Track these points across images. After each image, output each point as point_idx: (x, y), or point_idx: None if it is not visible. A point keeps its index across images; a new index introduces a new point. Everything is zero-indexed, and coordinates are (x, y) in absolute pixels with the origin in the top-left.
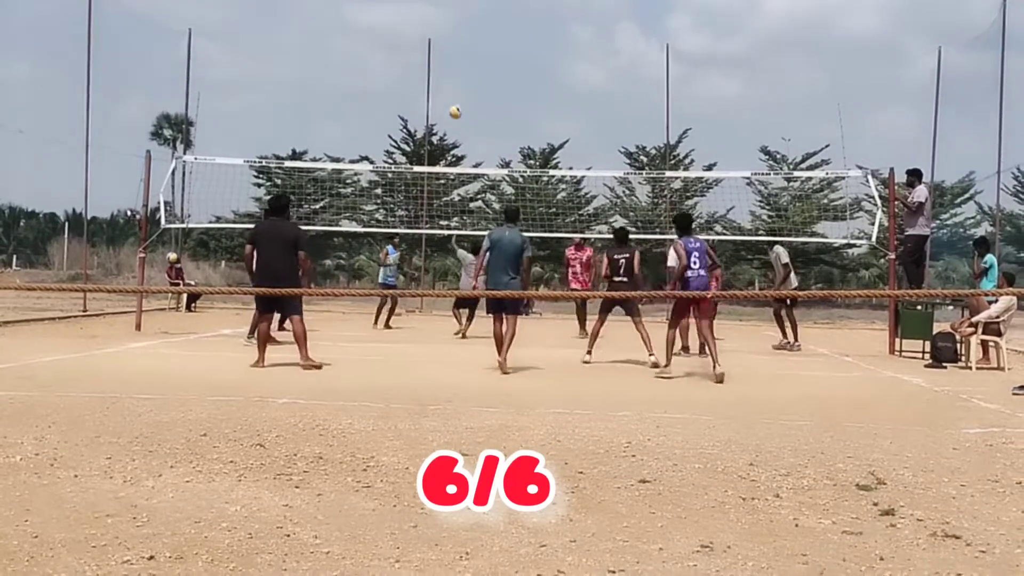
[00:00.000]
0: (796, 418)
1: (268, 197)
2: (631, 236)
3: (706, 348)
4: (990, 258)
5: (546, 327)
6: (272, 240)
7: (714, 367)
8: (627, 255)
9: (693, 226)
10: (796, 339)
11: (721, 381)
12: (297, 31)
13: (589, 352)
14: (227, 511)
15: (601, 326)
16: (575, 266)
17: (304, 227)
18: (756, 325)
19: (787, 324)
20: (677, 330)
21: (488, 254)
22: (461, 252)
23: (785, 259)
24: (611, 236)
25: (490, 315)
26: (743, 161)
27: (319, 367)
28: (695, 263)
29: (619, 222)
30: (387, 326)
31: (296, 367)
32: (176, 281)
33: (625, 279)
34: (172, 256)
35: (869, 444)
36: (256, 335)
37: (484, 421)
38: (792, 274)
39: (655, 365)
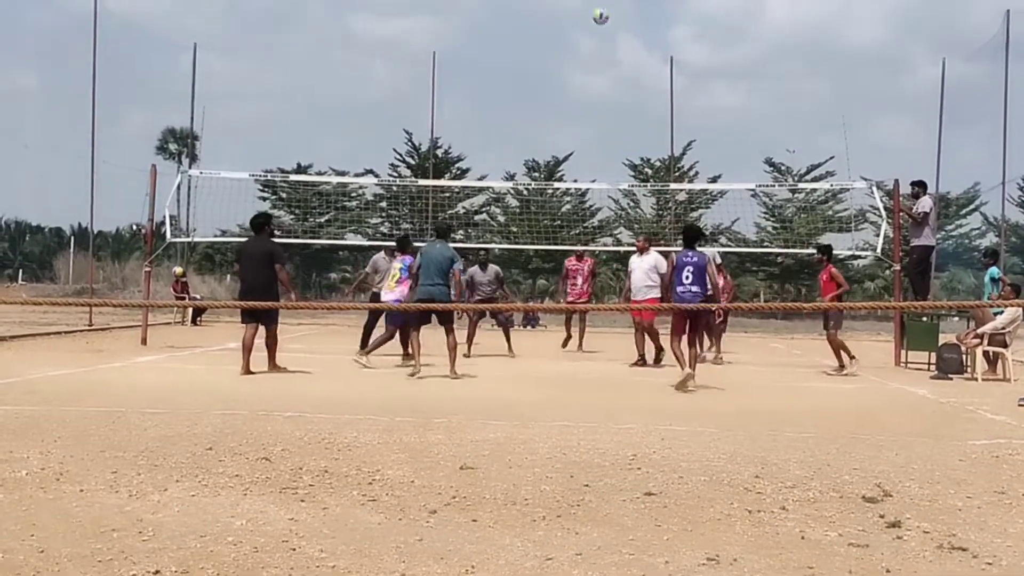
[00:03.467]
0: (802, 430)
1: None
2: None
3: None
4: (992, 271)
5: (550, 339)
6: (251, 256)
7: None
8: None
9: (700, 239)
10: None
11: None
12: (301, 43)
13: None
14: (233, 525)
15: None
16: (576, 278)
17: (309, 240)
18: (761, 337)
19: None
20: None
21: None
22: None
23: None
24: (616, 248)
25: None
26: (748, 173)
27: (284, 370)
28: (686, 278)
29: (624, 235)
30: None
31: (300, 379)
32: (182, 295)
33: None
34: (178, 270)
35: (875, 456)
36: (241, 344)
37: (489, 434)
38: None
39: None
